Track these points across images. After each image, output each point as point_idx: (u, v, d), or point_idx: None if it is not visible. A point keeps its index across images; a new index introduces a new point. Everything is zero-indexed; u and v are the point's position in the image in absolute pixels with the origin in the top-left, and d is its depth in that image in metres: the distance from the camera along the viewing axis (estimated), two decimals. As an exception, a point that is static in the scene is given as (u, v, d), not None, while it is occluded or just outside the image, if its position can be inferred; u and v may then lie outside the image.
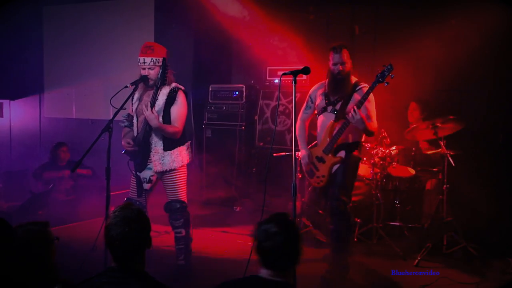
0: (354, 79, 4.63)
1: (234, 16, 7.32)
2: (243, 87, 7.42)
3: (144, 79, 4.46)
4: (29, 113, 9.09)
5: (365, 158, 5.83)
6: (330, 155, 4.58)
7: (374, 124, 4.55)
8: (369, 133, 4.56)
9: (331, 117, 4.57)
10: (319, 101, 4.71)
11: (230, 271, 4.85)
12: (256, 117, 7.40)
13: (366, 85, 4.54)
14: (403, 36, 6.42)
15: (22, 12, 8.60)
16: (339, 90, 4.56)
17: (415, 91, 6.34)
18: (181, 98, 4.51)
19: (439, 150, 5.35)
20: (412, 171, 5.68)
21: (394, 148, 5.73)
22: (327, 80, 4.69)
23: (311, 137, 4.94)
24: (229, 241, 5.86)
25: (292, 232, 2.53)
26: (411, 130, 5.60)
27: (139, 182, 4.59)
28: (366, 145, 5.83)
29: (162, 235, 5.77)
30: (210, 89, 7.61)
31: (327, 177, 4.62)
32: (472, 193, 5.55)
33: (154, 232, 5.70)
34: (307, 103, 4.85)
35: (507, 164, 5.95)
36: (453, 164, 5.22)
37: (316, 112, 4.78)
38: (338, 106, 4.56)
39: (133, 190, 4.65)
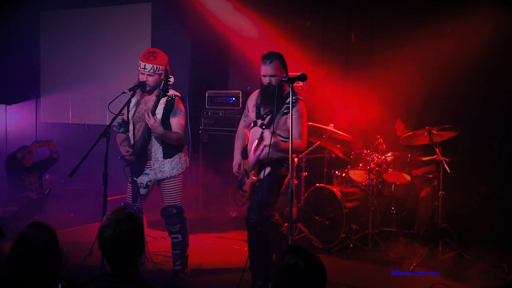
0: (287, 90, 4.28)
1: (231, 23, 7.35)
2: (239, 93, 7.43)
3: (141, 85, 4.48)
4: (26, 118, 9.07)
5: (361, 164, 5.86)
6: (252, 172, 4.42)
7: (299, 141, 4.27)
8: (294, 151, 4.17)
9: (259, 132, 4.35)
10: (251, 113, 4.55)
11: (226, 276, 4.87)
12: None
13: (297, 97, 4.28)
14: (399, 43, 6.45)
15: (19, 17, 8.60)
16: (269, 103, 4.29)
17: (410, 98, 6.37)
18: (179, 106, 4.55)
19: (435, 156, 5.39)
20: (408, 177, 5.71)
21: (389, 154, 5.75)
22: (259, 91, 4.51)
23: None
24: (226, 247, 5.86)
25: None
26: (407, 137, 5.63)
27: (136, 187, 4.60)
28: (362, 152, 5.86)
29: (159, 241, 5.77)
30: (206, 95, 7.62)
31: (249, 192, 4.46)
32: (467, 199, 5.58)
33: (150, 237, 5.74)
34: (244, 111, 4.73)
35: (502, 171, 5.98)
36: (449, 171, 5.26)
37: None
38: (266, 121, 4.36)
39: (129, 196, 4.66)
